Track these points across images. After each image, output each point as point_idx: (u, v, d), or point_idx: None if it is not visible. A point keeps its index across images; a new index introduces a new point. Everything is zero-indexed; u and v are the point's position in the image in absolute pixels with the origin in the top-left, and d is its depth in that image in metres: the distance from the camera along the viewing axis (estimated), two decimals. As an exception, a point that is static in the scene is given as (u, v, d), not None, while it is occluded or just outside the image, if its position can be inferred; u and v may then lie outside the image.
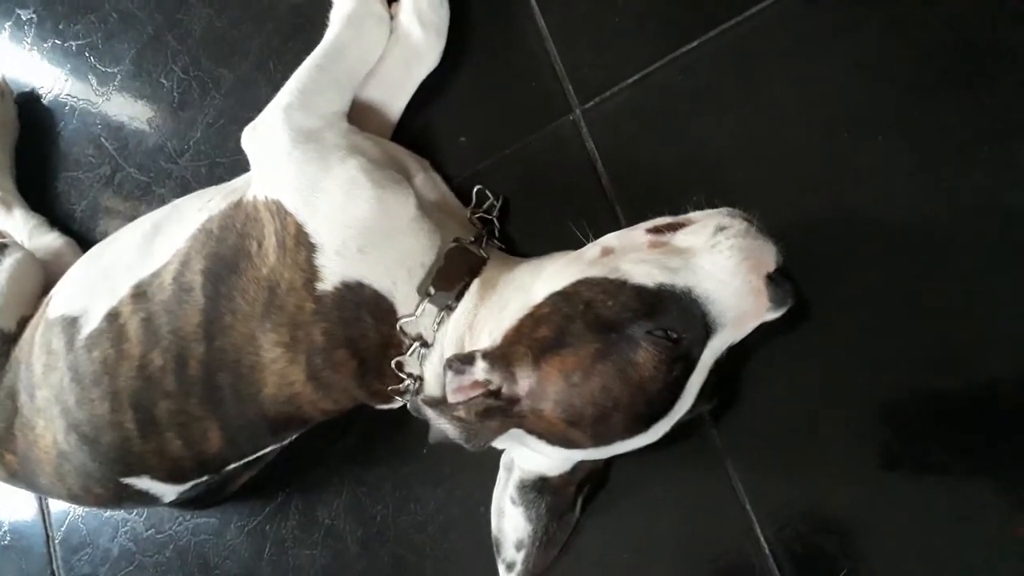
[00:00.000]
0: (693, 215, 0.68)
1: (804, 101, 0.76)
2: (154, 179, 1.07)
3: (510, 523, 0.78)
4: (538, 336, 0.65)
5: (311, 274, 0.72)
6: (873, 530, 0.72)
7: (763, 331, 0.66)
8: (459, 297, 0.73)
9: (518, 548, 0.77)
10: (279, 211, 0.73)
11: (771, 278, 0.63)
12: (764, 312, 0.64)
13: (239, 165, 0.99)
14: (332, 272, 0.71)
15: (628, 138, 0.81)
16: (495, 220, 0.84)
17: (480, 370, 0.66)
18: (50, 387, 0.82)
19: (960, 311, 0.71)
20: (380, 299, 0.72)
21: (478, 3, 0.89)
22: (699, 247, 0.64)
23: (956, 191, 0.71)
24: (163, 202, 1.02)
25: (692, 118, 0.79)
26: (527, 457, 0.74)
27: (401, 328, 0.73)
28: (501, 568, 0.79)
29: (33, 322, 0.89)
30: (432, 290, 0.72)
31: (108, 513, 1.03)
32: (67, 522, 1.06)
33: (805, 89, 0.76)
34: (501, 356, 0.66)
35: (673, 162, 0.80)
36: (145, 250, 0.82)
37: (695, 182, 0.77)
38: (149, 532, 1.00)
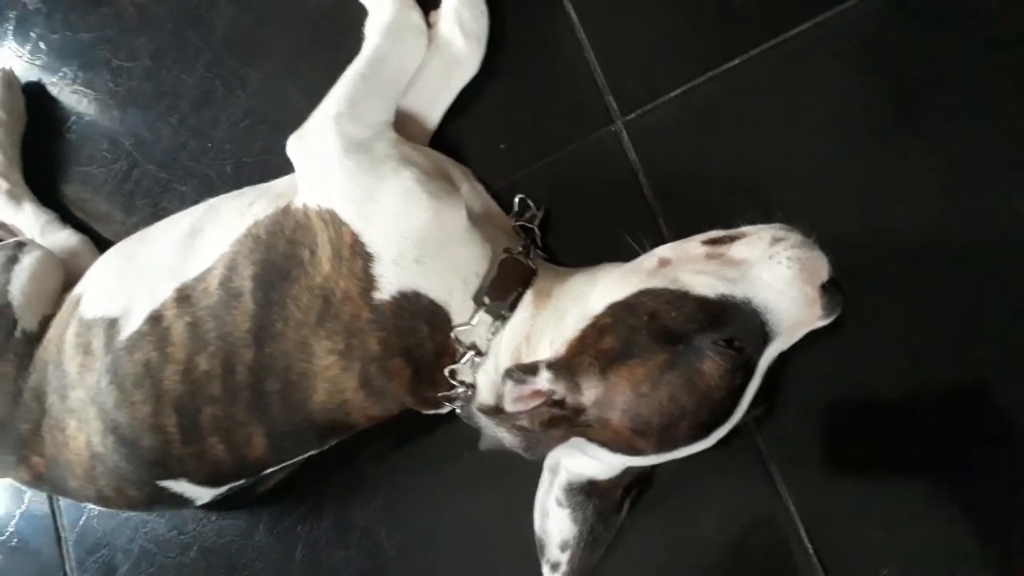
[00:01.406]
0: (746, 228, 0.70)
1: (840, 119, 0.79)
2: (175, 177, 1.06)
3: (555, 524, 0.80)
4: (603, 347, 0.66)
5: (368, 283, 0.72)
6: (917, 529, 0.75)
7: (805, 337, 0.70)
8: (512, 307, 0.74)
9: (563, 549, 0.79)
10: (333, 220, 0.74)
11: (824, 288, 0.66)
12: (816, 320, 0.67)
13: (267, 165, 0.99)
14: (389, 282, 0.72)
15: (670, 150, 0.84)
16: (536, 230, 0.85)
17: (544, 380, 0.68)
18: (86, 388, 0.81)
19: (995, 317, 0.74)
20: (436, 308, 0.73)
21: (516, 13, 0.90)
22: (755, 259, 0.67)
23: (989, 211, 0.75)
24: (185, 200, 1.01)
25: (733, 133, 0.82)
26: (577, 461, 0.76)
27: (456, 337, 0.74)
28: (545, 568, 0.80)
29: (58, 321, 0.87)
30: (487, 300, 0.74)
31: (127, 514, 1.01)
32: (81, 523, 1.04)
33: (842, 108, 0.79)
34: (566, 366, 0.67)
35: (714, 175, 0.82)
36: (185, 252, 0.81)
37: (735, 195, 0.80)
38: (171, 533, 1.00)
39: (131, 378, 0.78)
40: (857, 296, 0.74)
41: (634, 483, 0.79)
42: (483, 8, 0.88)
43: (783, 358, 0.71)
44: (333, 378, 0.75)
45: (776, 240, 0.67)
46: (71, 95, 1.12)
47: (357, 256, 0.73)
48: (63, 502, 1.06)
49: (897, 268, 0.77)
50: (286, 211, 0.77)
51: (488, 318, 0.74)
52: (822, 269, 0.66)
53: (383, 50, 0.82)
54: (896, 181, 0.77)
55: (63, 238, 1.03)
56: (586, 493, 0.78)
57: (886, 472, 0.77)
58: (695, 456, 0.71)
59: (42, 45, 1.14)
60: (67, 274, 0.96)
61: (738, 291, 0.66)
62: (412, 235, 0.72)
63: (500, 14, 0.89)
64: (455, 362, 0.75)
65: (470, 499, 0.89)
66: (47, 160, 1.11)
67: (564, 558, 0.79)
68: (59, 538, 1.06)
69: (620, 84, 0.86)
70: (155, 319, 0.78)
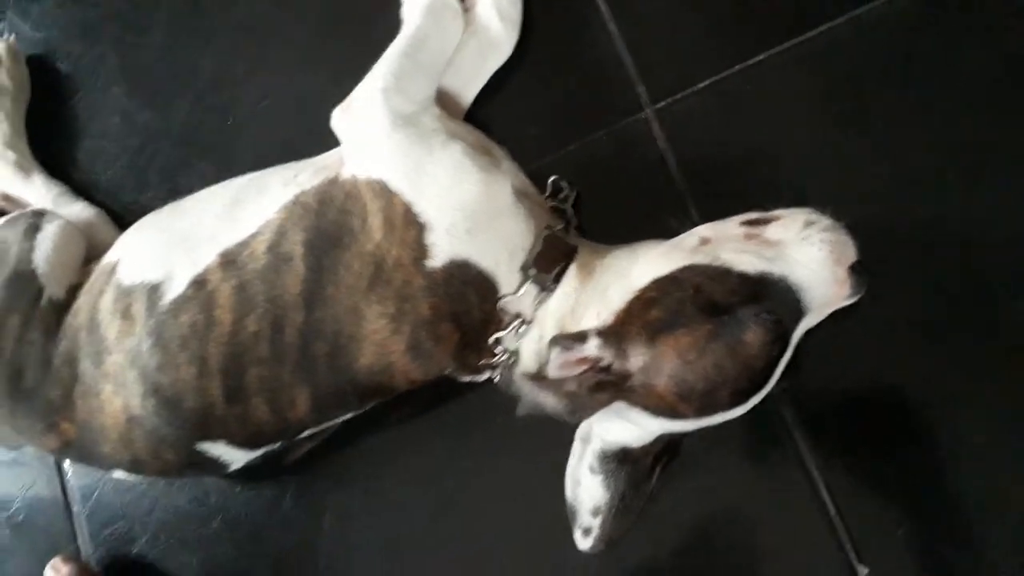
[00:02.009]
0: (780, 211, 0.75)
1: (864, 113, 0.84)
2: (193, 154, 1.06)
3: (587, 492, 0.84)
4: (651, 317, 0.71)
5: (420, 252, 0.75)
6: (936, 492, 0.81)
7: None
8: (557, 280, 0.78)
9: (594, 515, 0.83)
10: (384, 191, 0.76)
11: (852, 269, 0.71)
12: (843, 299, 0.72)
13: (289, 146, 0.97)
14: (442, 250, 0.75)
15: (698, 138, 0.88)
16: (570, 210, 0.89)
17: (593, 347, 0.71)
18: (125, 352, 0.82)
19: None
20: (484, 278, 0.76)
21: (548, 1, 0.94)
22: (790, 240, 0.72)
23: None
24: (204, 178, 1.00)
25: (759, 123, 0.87)
26: (612, 429, 0.80)
27: (503, 306, 0.77)
28: (577, 534, 0.84)
29: (90, 289, 0.87)
30: (532, 272, 0.77)
31: (144, 487, 1.01)
32: (95, 496, 1.03)
33: (866, 102, 0.85)
34: (615, 334, 0.71)
35: (741, 162, 0.88)
36: (227, 220, 0.83)
37: (761, 182, 0.86)
38: (191, 505, 1.00)
39: (176, 340, 0.79)
40: (877, 278, 0.80)
41: (664, 451, 0.83)
42: None
43: (809, 335, 0.77)
44: (381, 341, 0.77)
45: (809, 223, 0.72)
46: (80, 68, 1.10)
47: (410, 225, 0.75)
48: (72, 477, 1.05)
49: (914, 253, 0.83)
50: (334, 181, 0.80)
51: (534, 289, 0.77)
52: (850, 252, 0.72)
53: (424, 30, 0.85)
54: (917, 172, 0.83)
55: (77, 211, 1.02)
56: (619, 460, 0.82)
57: (905, 439, 0.82)
58: (724, 425, 0.76)
59: (49, 16, 1.12)
60: (86, 246, 0.95)
61: (776, 269, 0.70)
62: (464, 207, 0.76)
63: (534, 1, 0.93)
64: (500, 330, 0.78)
65: (498, 466, 0.92)
66: (54, 134, 1.10)
67: (596, 523, 0.83)
68: (69, 512, 1.05)
69: (650, 73, 0.91)
70: (199, 283, 0.80)
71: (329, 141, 0.88)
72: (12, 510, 1.06)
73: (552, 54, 0.93)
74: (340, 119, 0.82)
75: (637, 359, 0.70)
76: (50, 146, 1.08)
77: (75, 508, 1.05)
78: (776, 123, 0.87)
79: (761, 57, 0.88)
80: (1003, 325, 0.82)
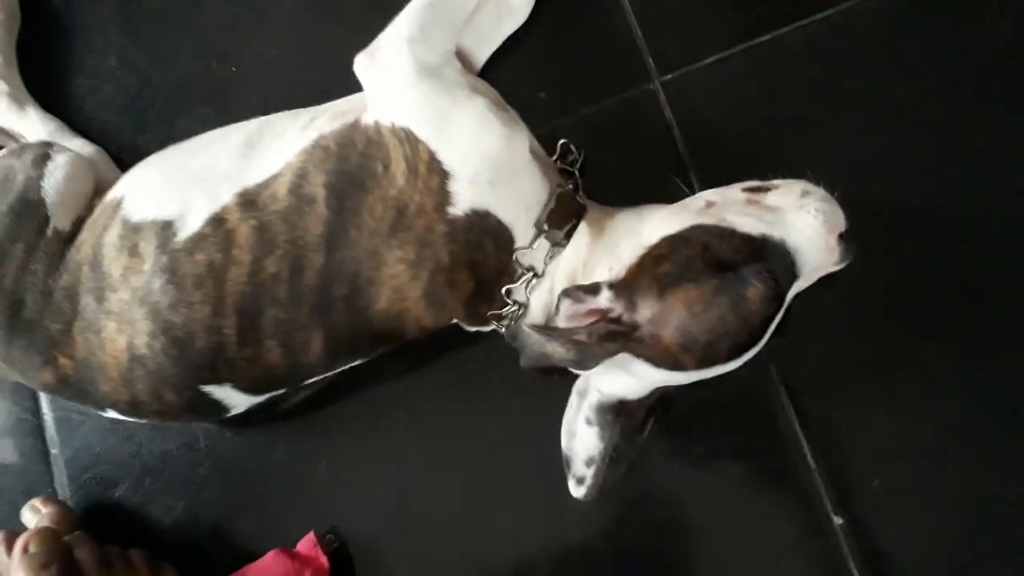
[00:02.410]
0: (778, 181, 0.80)
1: (864, 95, 0.90)
2: (195, 99, 1.05)
3: (581, 443, 0.87)
4: (661, 271, 0.74)
5: (443, 199, 0.77)
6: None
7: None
8: (568, 236, 0.81)
9: (588, 464, 0.86)
10: (408, 138, 0.78)
11: (841, 237, 0.76)
12: (832, 265, 0.78)
13: (294, 95, 0.97)
14: (464, 199, 0.78)
15: (704, 111, 0.93)
16: (577, 173, 0.92)
17: (604, 299, 0.75)
18: (132, 289, 0.81)
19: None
20: (502, 229, 0.79)
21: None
22: (788, 207, 0.77)
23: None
24: (205, 122, 0.98)
25: (763, 99, 0.93)
26: (611, 382, 0.83)
27: (517, 258, 0.80)
28: (571, 482, 0.87)
29: (93, 223, 0.86)
30: (546, 227, 0.80)
31: (130, 430, 1.00)
32: (74, 439, 1.02)
33: (865, 85, 0.90)
34: (626, 287, 0.75)
35: (744, 136, 0.92)
36: (243, 161, 0.83)
37: (762, 155, 0.91)
38: (180, 450, 1.00)
39: (191, 278, 0.79)
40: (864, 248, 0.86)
41: (657, 404, 0.87)
42: None
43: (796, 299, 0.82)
44: (399, 286, 0.79)
45: (805, 193, 0.77)
46: (75, 3, 1.07)
47: (434, 173, 0.77)
48: (50, 419, 1.03)
49: (899, 230, 0.90)
50: (355, 126, 0.81)
51: (547, 244, 0.80)
52: (840, 222, 0.77)
53: None
54: (907, 152, 0.90)
55: (77, 147, 1.00)
56: (615, 412, 0.85)
57: (882, 397, 0.89)
58: (714, 380, 0.80)
59: None
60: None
61: (775, 232, 0.75)
62: (487, 157, 0.78)
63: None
64: (513, 281, 0.81)
65: (495, 419, 0.95)
66: (47, 70, 1.07)
67: (589, 473, 0.86)
68: (46, 455, 1.03)
69: (659, 45, 0.95)
70: (217, 221, 0.80)
71: (334, 93, 0.90)
72: (-18, 452, 1.04)
73: (564, 21, 0.96)
74: (364, 65, 0.83)
75: (646, 311, 0.74)
76: (42, 82, 1.05)
77: (52, 451, 1.03)
78: (777, 100, 0.92)
79: (766, 38, 0.93)
80: (972, 293, 0.90)
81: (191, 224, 0.81)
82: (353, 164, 0.79)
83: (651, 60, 0.95)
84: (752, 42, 0.93)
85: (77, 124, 1.05)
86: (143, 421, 0.92)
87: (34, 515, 0.96)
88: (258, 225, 0.79)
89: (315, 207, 0.78)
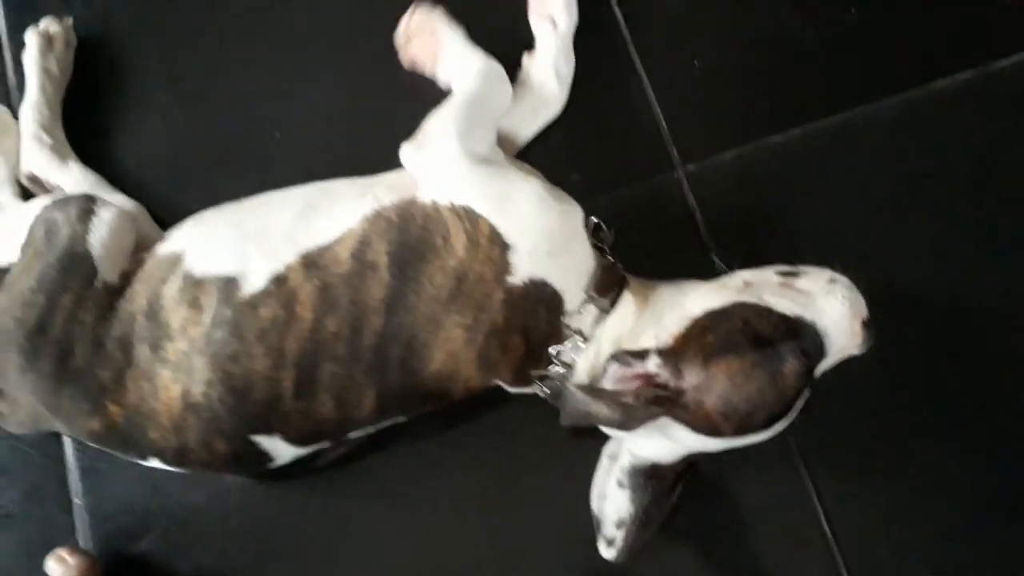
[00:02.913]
0: (806, 268, 0.88)
1: (871, 190, 1.01)
2: (235, 162, 1.08)
3: (612, 505, 0.92)
4: (706, 342, 0.81)
5: (503, 268, 0.84)
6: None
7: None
8: (612, 303, 0.88)
9: (619, 526, 0.91)
10: (468, 215, 0.85)
11: (864, 324, 0.85)
12: (854, 349, 0.85)
13: (337, 163, 0.99)
14: (523, 269, 0.84)
15: (726, 199, 1.02)
16: (607, 249, 0.99)
17: (653, 364, 0.81)
18: (190, 340, 0.84)
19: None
20: (555, 296, 0.86)
21: (591, 62, 1.06)
22: (817, 292, 0.85)
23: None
24: (246, 186, 0.98)
25: (781, 192, 1.03)
26: (645, 445, 0.89)
27: (566, 323, 0.86)
28: (601, 544, 0.92)
29: (147, 276, 0.89)
30: (593, 294, 0.87)
31: (159, 482, 1.01)
32: (99, 489, 1.02)
33: (873, 180, 1.01)
34: (673, 354, 0.81)
35: (763, 223, 1.01)
36: (302, 224, 0.88)
37: (781, 243, 1.00)
38: (210, 503, 0.99)
39: (254, 332, 0.83)
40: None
41: (686, 469, 0.92)
42: (573, 57, 1.04)
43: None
44: (454, 349, 0.84)
45: (832, 280, 0.86)
46: (124, 63, 1.11)
47: (495, 245, 0.84)
48: (74, 467, 1.04)
49: (913, 315, 1.01)
50: (413, 202, 0.87)
51: (594, 310, 0.87)
52: (863, 310, 0.85)
53: (483, 90, 0.94)
54: (920, 245, 1.03)
55: (118, 201, 1.02)
56: (647, 476, 0.90)
57: (906, 470, 0.97)
58: (740, 448, 0.87)
59: (100, 5, 1.13)
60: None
61: (807, 314, 0.83)
62: (545, 232, 0.85)
63: (580, 65, 1.05)
64: (561, 344, 0.86)
65: (527, 478, 0.99)
66: (91, 125, 1.09)
67: (620, 535, 0.91)
68: (69, 504, 1.03)
69: (682, 137, 1.04)
70: (280, 280, 0.84)
71: (373, 162, 0.96)
72: (5, 499, 1.03)
73: (595, 110, 1.05)
74: (411, 154, 0.90)
75: (692, 378, 0.80)
76: (84, 136, 1.08)
77: (76, 500, 1.03)
78: (792, 192, 1.02)
79: (779, 137, 1.03)
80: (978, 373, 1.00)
81: (254, 281, 0.85)
82: (413, 236, 0.85)
83: (675, 151, 1.04)
84: (768, 139, 1.03)
85: (117, 180, 1.07)
86: (183, 471, 0.93)
87: (59, 564, 0.95)
88: (321, 285, 0.84)
89: (377, 272, 0.84)
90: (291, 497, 1.01)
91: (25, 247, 0.91)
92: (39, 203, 0.96)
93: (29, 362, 0.84)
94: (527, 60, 1.05)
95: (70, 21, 1.09)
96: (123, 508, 1.03)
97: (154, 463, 0.90)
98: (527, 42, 1.04)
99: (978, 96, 1.07)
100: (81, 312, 0.86)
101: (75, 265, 0.87)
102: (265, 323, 0.83)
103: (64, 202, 0.93)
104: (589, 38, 1.06)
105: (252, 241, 0.88)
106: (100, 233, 0.89)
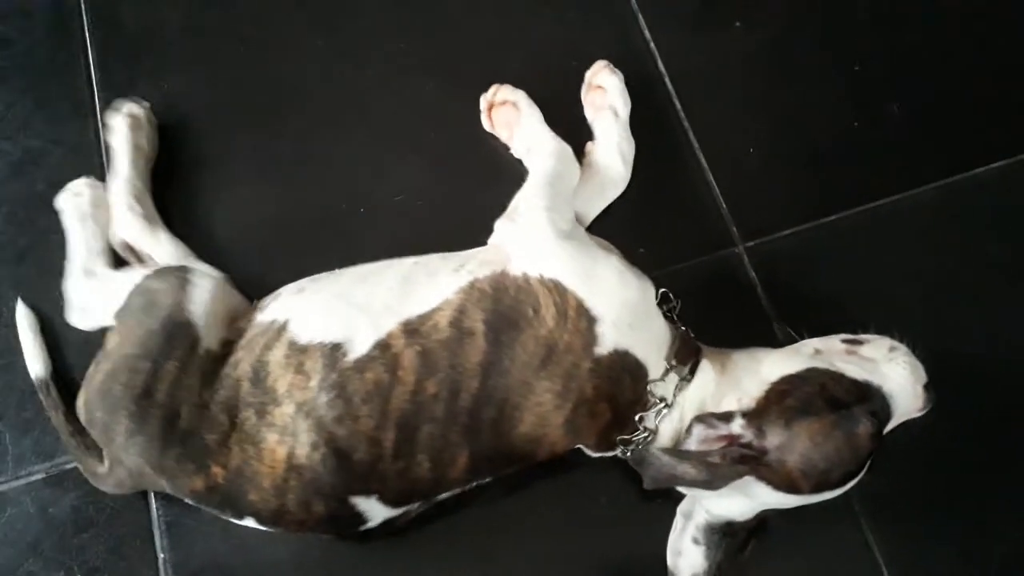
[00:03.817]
0: (868, 336, 0.96)
1: (922, 267, 1.09)
2: (322, 235, 1.15)
3: (686, 561, 0.97)
4: (787, 405, 0.87)
5: (591, 340, 0.90)
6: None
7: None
8: (691, 371, 0.94)
9: (693, 583, 0.96)
10: (557, 288, 0.91)
11: (925, 388, 0.91)
12: (915, 411, 0.92)
13: (419, 240, 1.06)
14: (609, 339, 0.90)
15: (785, 274, 1.10)
16: (676, 319, 1.06)
17: (737, 426, 0.87)
18: (296, 404, 0.89)
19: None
20: (639, 365, 0.92)
21: (656, 151, 1.16)
22: (880, 359, 0.92)
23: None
24: (329, 260, 1.06)
25: (836, 268, 1.10)
26: (722, 504, 0.94)
27: (650, 390, 0.92)
28: (677, 600, 0.96)
29: (249, 344, 0.95)
30: (673, 362, 0.93)
31: (243, 538, 1.04)
32: (186, 544, 1.05)
33: (924, 257, 1.11)
34: (756, 416, 0.87)
35: (824, 295, 1.09)
36: (400, 296, 0.94)
37: (837, 314, 1.06)
38: (292, 560, 1.04)
39: (360, 395, 0.88)
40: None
41: (758, 526, 0.97)
42: (632, 141, 1.13)
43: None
44: (544, 413, 0.90)
45: (893, 348, 0.93)
46: (213, 143, 1.19)
47: (582, 317, 0.90)
48: (160, 522, 1.07)
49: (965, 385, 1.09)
50: (505, 275, 0.94)
51: (675, 377, 0.93)
52: (923, 375, 0.92)
53: (558, 169, 1.04)
54: (964, 318, 1.10)
55: (204, 271, 1.09)
56: (722, 533, 0.96)
57: (959, 529, 1.02)
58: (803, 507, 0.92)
59: (189, 87, 1.21)
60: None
61: (875, 379, 0.90)
62: (628, 305, 0.92)
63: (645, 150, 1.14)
64: (645, 410, 0.92)
65: (602, 540, 1.04)
66: (180, 198, 1.17)
67: (694, 591, 0.96)
68: (155, 559, 1.06)
69: (741, 216, 1.13)
70: (383, 346, 0.90)
71: (455, 238, 1.03)
72: (91, 554, 1.06)
73: (661, 194, 1.14)
74: (506, 228, 0.99)
75: (775, 438, 0.86)
76: (173, 209, 1.15)
77: (161, 555, 1.06)
78: (846, 268, 1.11)
79: (833, 217, 1.12)
80: None
81: (359, 347, 0.91)
82: (506, 306, 0.91)
83: (735, 228, 1.12)
84: (822, 220, 1.12)
85: (203, 252, 1.12)
86: (275, 531, 0.96)
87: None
88: (422, 351, 0.90)
89: (475, 339, 0.90)
90: (371, 555, 1.04)
91: (122, 314, 0.96)
92: (136, 272, 1.02)
93: (138, 425, 0.90)
94: (591, 147, 1.14)
95: (148, 105, 1.16)
96: (207, 564, 1.06)
97: (249, 523, 0.95)
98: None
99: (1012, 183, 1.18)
100: (185, 377, 0.91)
101: (178, 332, 0.93)
102: (370, 386, 0.89)
103: (162, 272, 1.00)
104: (654, 130, 1.17)
105: (355, 311, 0.94)
106: (201, 301, 0.96)
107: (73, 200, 1.09)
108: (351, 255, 1.05)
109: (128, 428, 0.90)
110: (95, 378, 0.93)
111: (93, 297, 1.03)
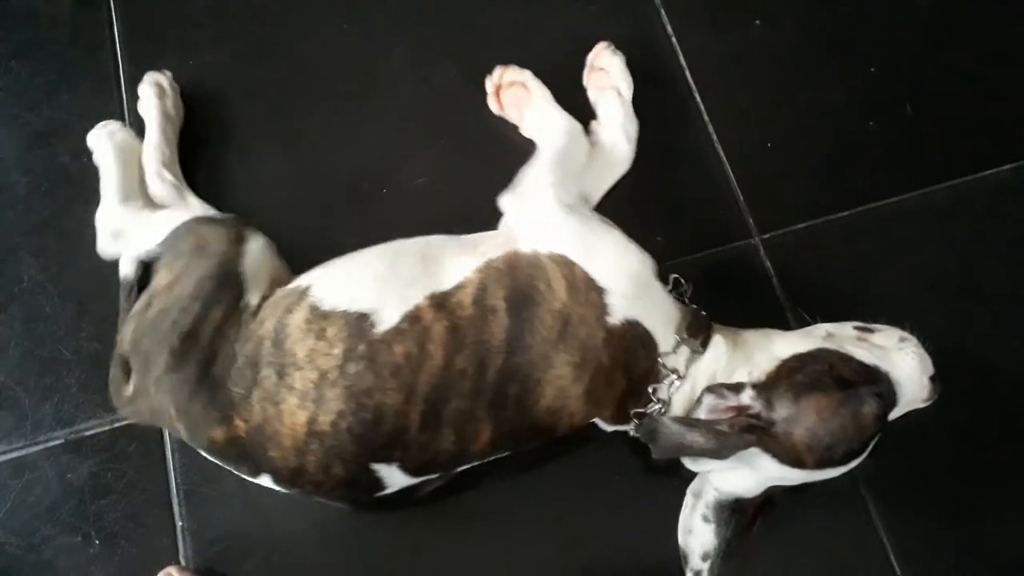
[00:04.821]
0: (879, 326, 0.98)
1: (932, 264, 1.13)
2: (345, 214, 1.18)
3: (697, 539, 0.99)
4: (796, 380, 0.90)
5: (602, 311, 0.92)
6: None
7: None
8: (703, 345, 0.96)
9: (704, 559, 0.98)
10: (566, 262, 0.94)
11: (931, 379, 0.95)
12: (920, 401, 0.95)
13: (438, 220, 1.08)
14: (619, 310, 0.92)
15: (800, 267, 1.13)
16: (687, 301, 1.08)
17: (747, 396, 0.90)
18: (319, 371, 0.90)
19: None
20: (649, 336, 0.94)
21: (675, 145, 1.20)
22: (890, 347, 0.95)
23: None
24: (357, 239, 1.06)
25: (851, 261, 1.14)
26: (729, 480, 0.97)
27: (662, 362, 0.95)
28: (689, 575, 0.99)
29: (273, 305, 0.96)
30: (685, 336, 0.96)
31: (261, 507, 1.06)
32: (204, 512, 1.07)
33: (934, 255, 1.15)
34: (767, 388, 0.90)
35: (836, 288, 1.12)
36: (423, 272, 0.96)
37: (850, 305, 1.09)
38: (311, 529, 1.05)
39: (389, 367, 0.90)
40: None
41: (765, 503, 1.00)
42: (636, 120, 1.16)
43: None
44: (564, 385, 0.92)
45: (903, 339, 0.96)
46: (239, 116, 1.21)
47: (592, 289, 0.93)
48: (180, 491, 1.08)
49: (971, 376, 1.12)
50: (516, 254, 0.96)
51: (687, 350, 0.95)
52: (930, 366, 0.95)
53: (569, 147, 1.07)
54: (968, 312, 1.14)
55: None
56: (731, 510, 0.98)
57: (974, 510, 1.06)
58: (808, 487, 0.95)
59: (219, 62, 1.24)
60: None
61: (883, 365, 0.93)
62: (631, 276, 0.94)
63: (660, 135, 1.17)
64: (658, 382, 0.95)
65: (614, 515, 1.06)
66: (207, 172, 1.19)
67: (705, 567, 0.99)
68: (173, 527, 1.08)
69: (758, 208, 1.16)
70: (413, 319, 0.92)
71: (474, 219, 1.05)
72: (109, 520, 1.08)
73: (679, 185, 1.18)
74: (512, 203, 1.02)
75: (783, 410, 0.89)
76: (200, 182, 1.17)
77: (179, 523, 1.08)
78: (860, 262, 1.14)
79: (847, 212, 1.16)
80: None
81: (388, 318, 0.92)
82: (522, 283, 0.94)
83: (751, 220, 1.16)
84: (837, 215, 1.16)
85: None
86: (289, 492, 0.97)
87: (171, 583, 1.00)
88: (451, 326, 0.92)
89: (497, 316, 0.92)
90: (387, 525, 1.06)
91: (171, 253, 0.99)
92: (179, 212, 1.06)
93: (177, 362, 0.91)
94: (596, 126, 1.17)
95: (169, 73, 1.19)
96: (225, 532, 1.07)
97: (264, 480, 0.95)
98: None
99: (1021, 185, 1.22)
100: (226, 327, 0.93)
101: (228, 282, 0.95)
102: (400, 360, 0.90)
103: (215, 220, 1.03)
104: (675, 124, 1.21)
105: (379, 283, 0.95)
106: (253, 258, 0.99)
107: (107, 136, 1.12)
108: (372, 235, 1.06)
109: (168, 363, 0.91)
110: (148, 311, 0.95)
111: (130, 221, 1.06)
